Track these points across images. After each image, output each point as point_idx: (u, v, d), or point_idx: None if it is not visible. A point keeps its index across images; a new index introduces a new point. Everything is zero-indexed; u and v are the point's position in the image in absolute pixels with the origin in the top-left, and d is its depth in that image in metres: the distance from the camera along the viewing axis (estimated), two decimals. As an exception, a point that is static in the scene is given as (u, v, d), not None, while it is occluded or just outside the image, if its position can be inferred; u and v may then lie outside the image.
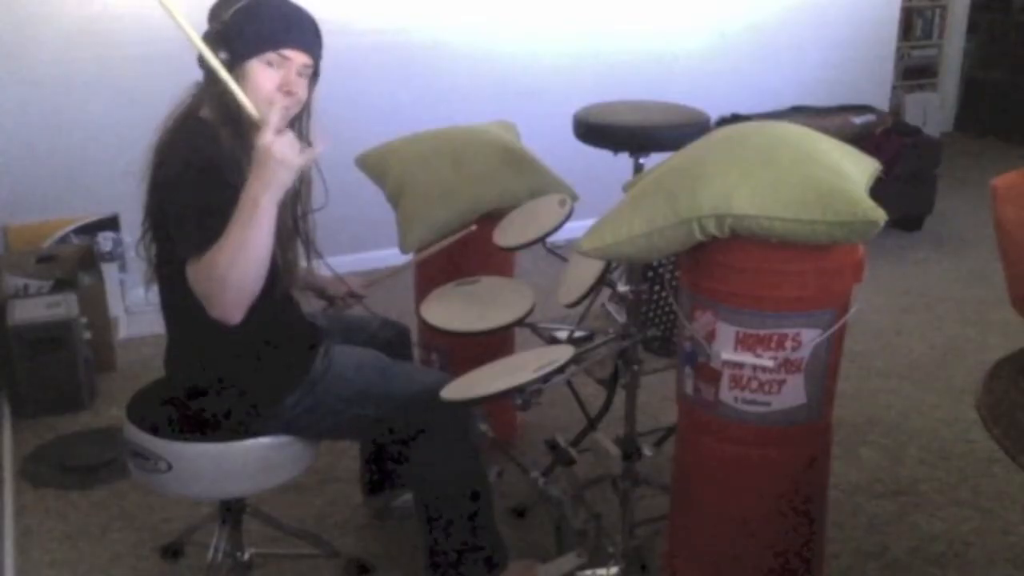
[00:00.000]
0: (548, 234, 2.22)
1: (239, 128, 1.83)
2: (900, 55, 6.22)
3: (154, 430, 1.94)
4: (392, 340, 2.32)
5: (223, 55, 1.80)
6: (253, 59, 1.83)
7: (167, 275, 1.91)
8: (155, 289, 1.98)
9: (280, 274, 1.92)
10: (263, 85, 1.85)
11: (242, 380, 1.92)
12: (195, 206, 1.74)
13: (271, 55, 1.85)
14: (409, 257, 2.57)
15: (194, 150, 1.80)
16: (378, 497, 2.55)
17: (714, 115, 4.49)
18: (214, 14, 1.85)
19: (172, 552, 2.42)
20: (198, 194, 1.76)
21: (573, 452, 2.28)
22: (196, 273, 1.73)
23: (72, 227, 3.66)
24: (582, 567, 2.16)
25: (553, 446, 2.30)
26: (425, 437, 2.00)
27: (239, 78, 1.81)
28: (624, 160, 2.33)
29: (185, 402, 1.99)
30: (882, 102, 5.46)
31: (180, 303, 1.87)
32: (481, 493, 2.06)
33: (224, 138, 1.82)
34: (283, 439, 1.97)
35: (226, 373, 1.93)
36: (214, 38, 1.81)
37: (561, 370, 1.81)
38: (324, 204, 2.09)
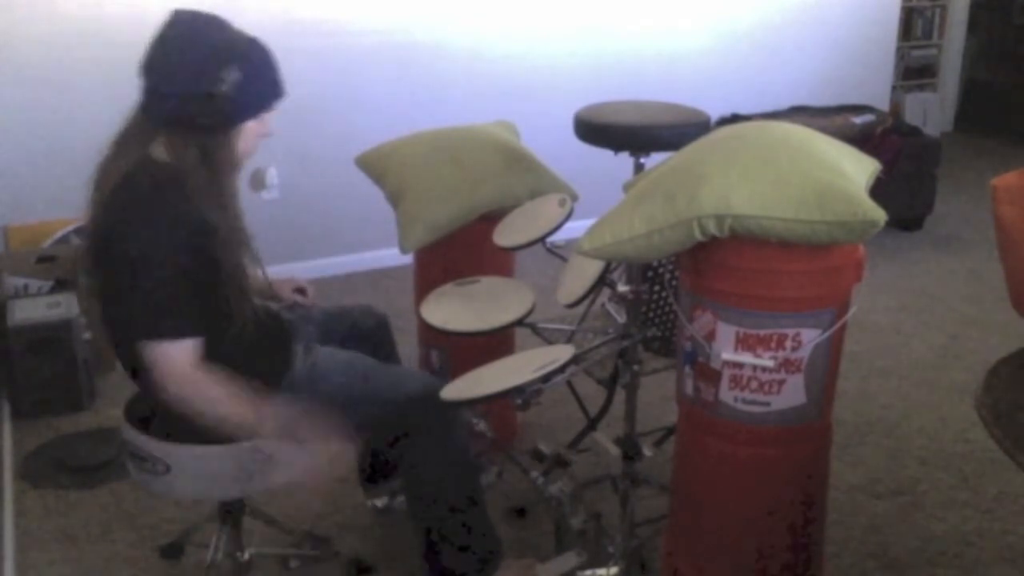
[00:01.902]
0: (548, 234, 2.22)
1: (213, 176, 1.76)
2: (900, 55, 6.22)
3: (152, 431, 1.93)
4: (372, 329, 2.32)
5: (208, 120, 1.71)
6: (250, 121, 1.79)
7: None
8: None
9: (244, 300, 1.88)
10: (251, 140, 1.82)
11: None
12: (164, 290, 1.70)
13: (265, 114, 1.82)
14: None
15: (165, 212, 1.70)
16: (376, 486, 2.54)
17: (714, 115, 4.51)
18: (194, 78, 1.69)
19: (172, 552, 2.42)
20: (168, 276, 1.70)
21: (566, 453, 2.27)
22: (156, 357, 1.72)
23: (72, 227, 3.66)
24: (582, 566, 2.16)
25: (540, 457, 2.27)
26: (411, 441, 2.00)
27: (225, 136, 1.76)
28: (624, 160, 2.33)
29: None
30: (882, 102, 5.46)
31: None
32: (473, 492, 2.06)
33: (194, 188, 1.73)
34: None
35: None
36: (200, 105, 1.69)
37: (561, 370, 1.81)
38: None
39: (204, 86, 1.69)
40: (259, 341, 1.95)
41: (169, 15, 1.75)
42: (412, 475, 2.03)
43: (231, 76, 1.70)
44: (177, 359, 1.73)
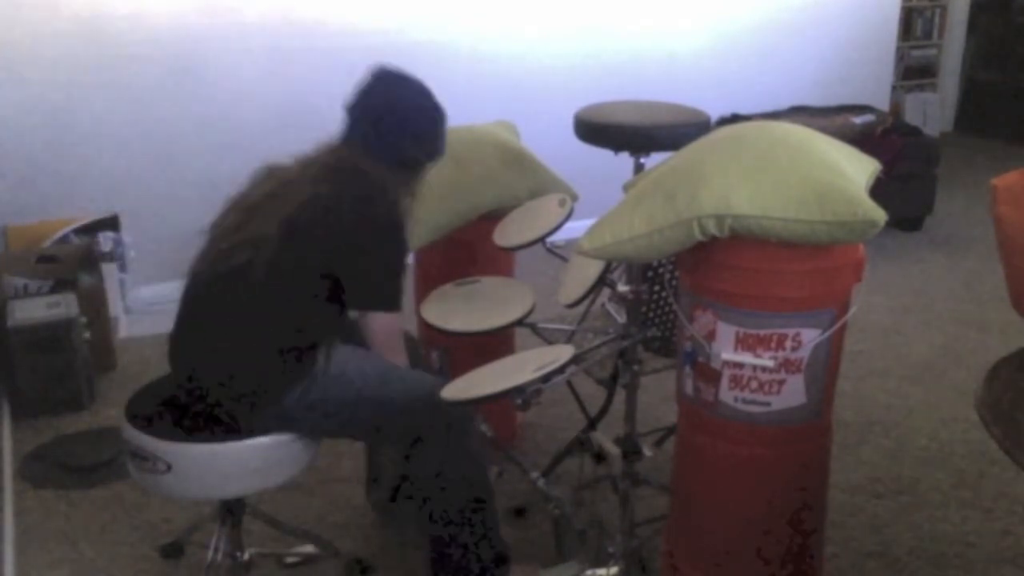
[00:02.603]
0: (548, 234, 2.22)
1: (408, 199, 2.10)
2: (900, 55, 6.23)
3: (153, 431, 1.94)
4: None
5: (424, 159, 2.12)
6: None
7: (242, 283, 1.93)
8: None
9: None
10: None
11: (247, 375, 1.93)
12: (396, 267, 2.02)
13: None
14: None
15: (387, 209, 1.99)
16: (386, 512, 2.54)
17: (714, 115, 4.51)
18: (423, 127, 2.09)
19: (172, 552, 2.42)
20: (398, 256, 2.02)
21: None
22: (388, 324, 2.03)
23: (72, 227, 3.66)
24: (582, 573, 2.17)
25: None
26: (422, 445, 2.00)
27: (422, 172, 2.14)
28: (624, 160, 2.33)
29: (187, 397, 2.00)
30: (882, 102, 5.46)
31: (230, 307, 1.95)
32: (482, 500, 2.06)
33: (403, 200, 2.05)
34: (282, 439, 1.97)
35: (233, 368, 1.94)
36: (421, 147, 2.09)
37: (561, 370, 1.81)
38: None
39: (428, 133, 2.10)
40: (298, 338, 1.97)
41: (382, 71, 2.12)
42: (422, 479, 2.03)
43: (441, 129, 2.12)
44: (398, 326, 2.07)
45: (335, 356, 2.02)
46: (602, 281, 2.14)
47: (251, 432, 1.94)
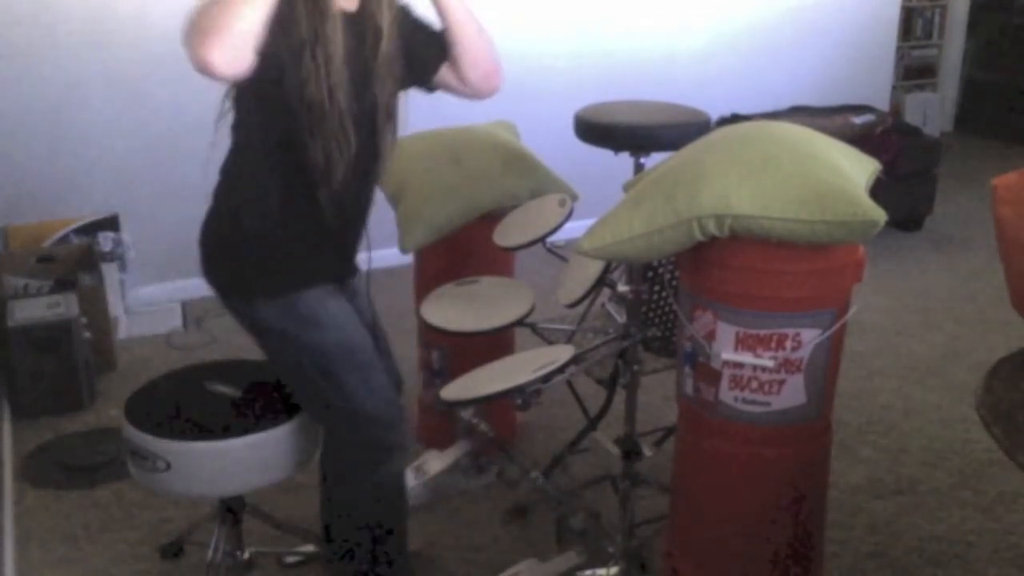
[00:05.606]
0: (548, 234, 2.22)
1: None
2: (900, 55, 6.22)
3: (152, 429, 1.94)
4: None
5: None
6: None
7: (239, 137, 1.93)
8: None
9: (329, 169, 1.82)
10: None
11: (260, 256, 1.85)
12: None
13: None
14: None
15: None
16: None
17: (714, 115, 4.50)
18: None
19: (172, 552, 2.42)
20: None
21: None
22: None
23: (72, 227, 3.66)
24: (580, 567, 2.16)
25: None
26: (345, 450, 1.96)
27: None
28: (624, 160, 2.33)
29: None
30: (882, 102, 5.46)
31: (242, 166, 1.95)
32: (391, 531, 2.02)
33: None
34: (280, 436, 1.97)
35: (250, 245, 1.86)
36: None
37: (561, 370, 1.81)
38: None
39: None
40: (315, 250, 1.88)
41: None
42: (335, 484, 2.00)
43: None
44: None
45: (326, 303, 1.91)
46: (602, 281, 2.14)
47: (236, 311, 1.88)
